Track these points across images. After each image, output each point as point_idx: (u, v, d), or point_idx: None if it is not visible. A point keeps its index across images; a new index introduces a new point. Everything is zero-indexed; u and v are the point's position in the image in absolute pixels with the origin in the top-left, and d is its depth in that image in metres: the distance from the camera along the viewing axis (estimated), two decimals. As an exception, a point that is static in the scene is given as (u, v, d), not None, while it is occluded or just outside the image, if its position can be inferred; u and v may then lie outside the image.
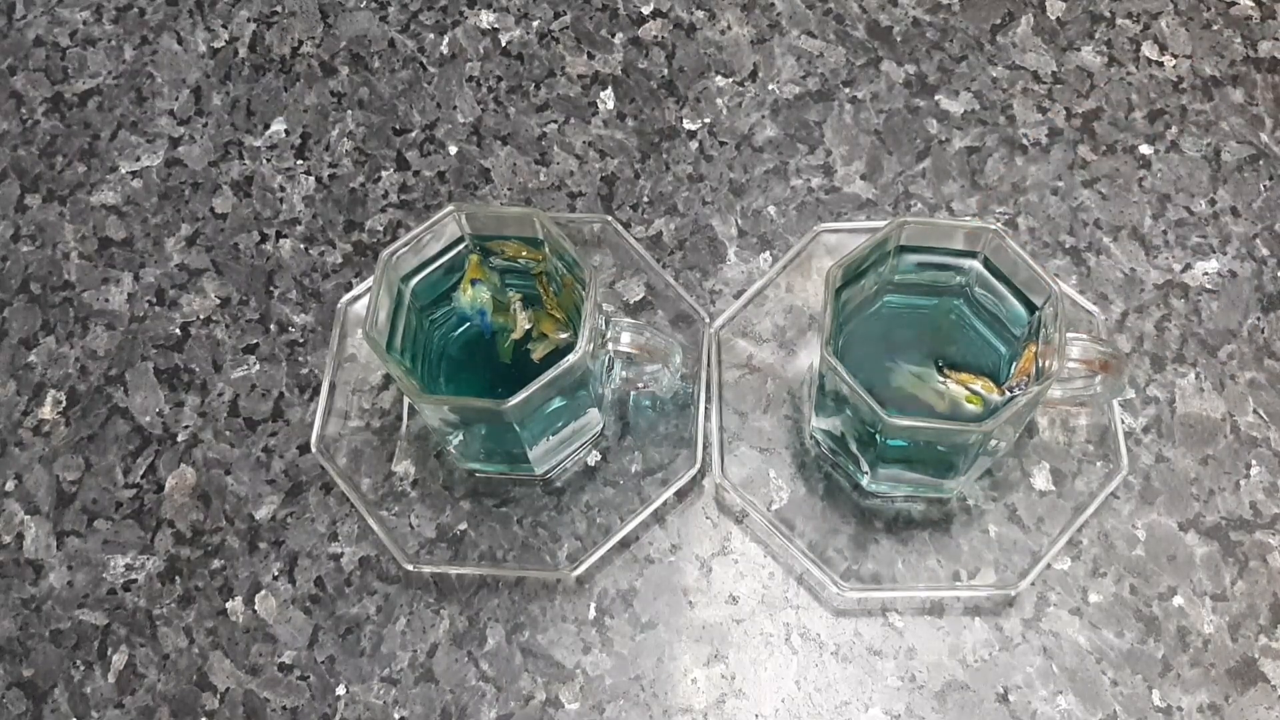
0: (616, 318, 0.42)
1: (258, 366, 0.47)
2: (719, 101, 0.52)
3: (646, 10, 0.54)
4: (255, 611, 0.43)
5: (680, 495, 0.44)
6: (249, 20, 0.55)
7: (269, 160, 0.52)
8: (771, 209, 0.49)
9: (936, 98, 0.52)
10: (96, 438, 0.46)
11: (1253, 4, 0.54)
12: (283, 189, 0.51)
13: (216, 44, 0.55)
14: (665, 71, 0.53)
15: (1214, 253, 0.48)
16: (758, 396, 0.45)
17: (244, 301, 0.49)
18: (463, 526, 0.44)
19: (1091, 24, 0.53)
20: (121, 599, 0.43)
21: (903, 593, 0.42)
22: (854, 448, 0.42)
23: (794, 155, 0.50)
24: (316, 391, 0.46)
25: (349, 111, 0.53)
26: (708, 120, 0.51)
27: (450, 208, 0.40)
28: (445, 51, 0.54)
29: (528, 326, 0.41)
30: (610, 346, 0.40)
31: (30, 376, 0.48)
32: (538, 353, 0.41)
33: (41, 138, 0.53)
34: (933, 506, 0.43)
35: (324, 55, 0.54)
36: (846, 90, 0.52)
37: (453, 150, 0.52)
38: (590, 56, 0.53)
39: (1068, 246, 0.48)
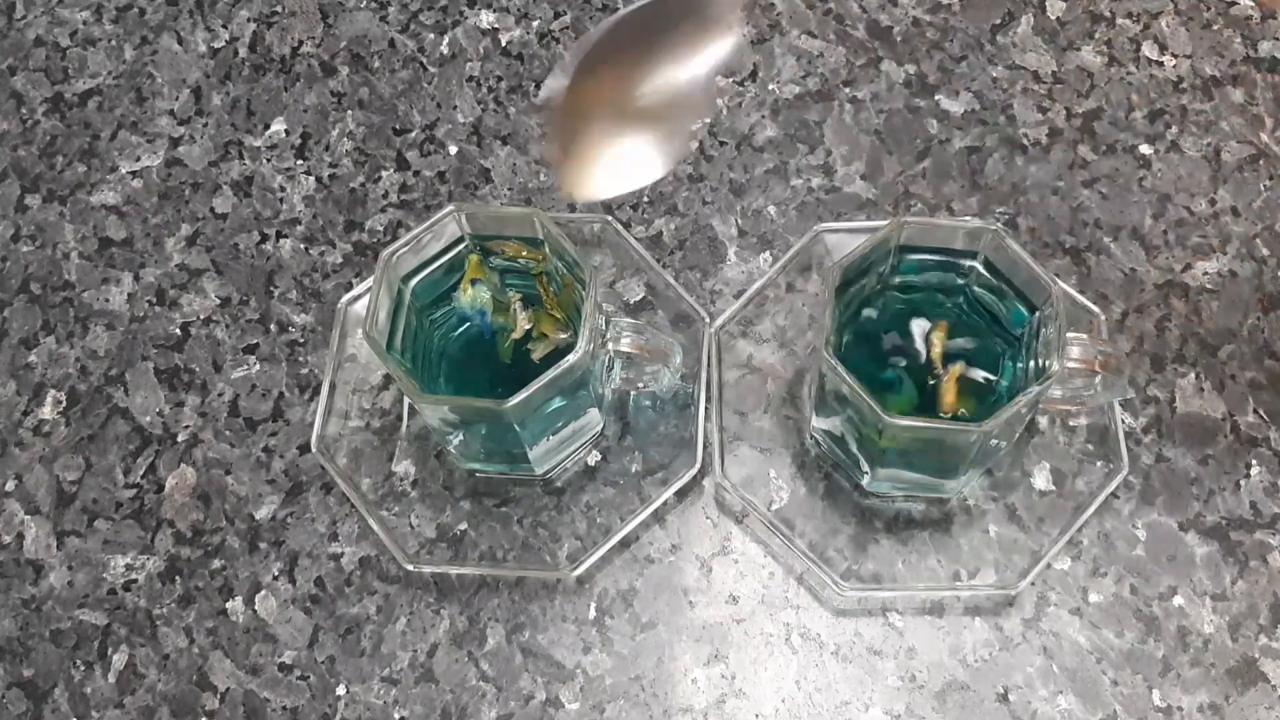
0: (616, 318, 0.42)
1: (258, 366, 0.47)
2: (719, 101, 0.52)
3: (646, 10, 0.54)
4: (255, 611, 0.43)
5: (680, 495, 0.44)
6: (249, 20, 0.55)
7: (269, 160, 0.52)
8: (771, 209, 0.49)
9: (936, 98, 0.52)
10: (96, 438, 0.46)
11: (1252, 4, 0.54)
12: (283, 189, 0.51)
13: (216, 44, 0.55)
14: (665, 71, 0.53)
15: (1214, 253, 0.48)
16: (758, 396, 0.45)
17: (244, 301, 0.49)
18: (463, 526, 0.44)
19: (1091, 24, 0.53)
20: (121, 599, 0.43)
21: (903, 593, 0.42)
22: (854, 448, 0.42)
23: (794, 155, 0.50)
24: (316, 391, 0.46)
25: (349, 111, 0.53)
26: (708, 120, 0.51)
27: (450, 208, 0.40)
28: (445, 51, 0.54)
29: (528, 326, 0.41)
30: (610, 346, 0.40)
31: (30, 376, 0.48)
32: (538, 353, 0.41)
33: (41, 138, 0.53)
34: (933, 506, 0.43)
35: (324, 55, 0.54)
36: (846, 90, 0.52)
37: (453, 150, 0.52)
38: (590, 56, 0.53)
39: (1068, 246, 0.48)
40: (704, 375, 0.45)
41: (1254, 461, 0.44)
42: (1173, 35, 0.53)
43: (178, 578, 0.44)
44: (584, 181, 0.34)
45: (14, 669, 0.43)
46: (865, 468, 0.42)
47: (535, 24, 0.54)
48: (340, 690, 0.42)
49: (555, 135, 0.33)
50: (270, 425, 0.46)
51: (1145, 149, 0.50)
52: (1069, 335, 0.38)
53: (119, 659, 0.42)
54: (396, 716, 0.41)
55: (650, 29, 0.32)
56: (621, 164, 0.34)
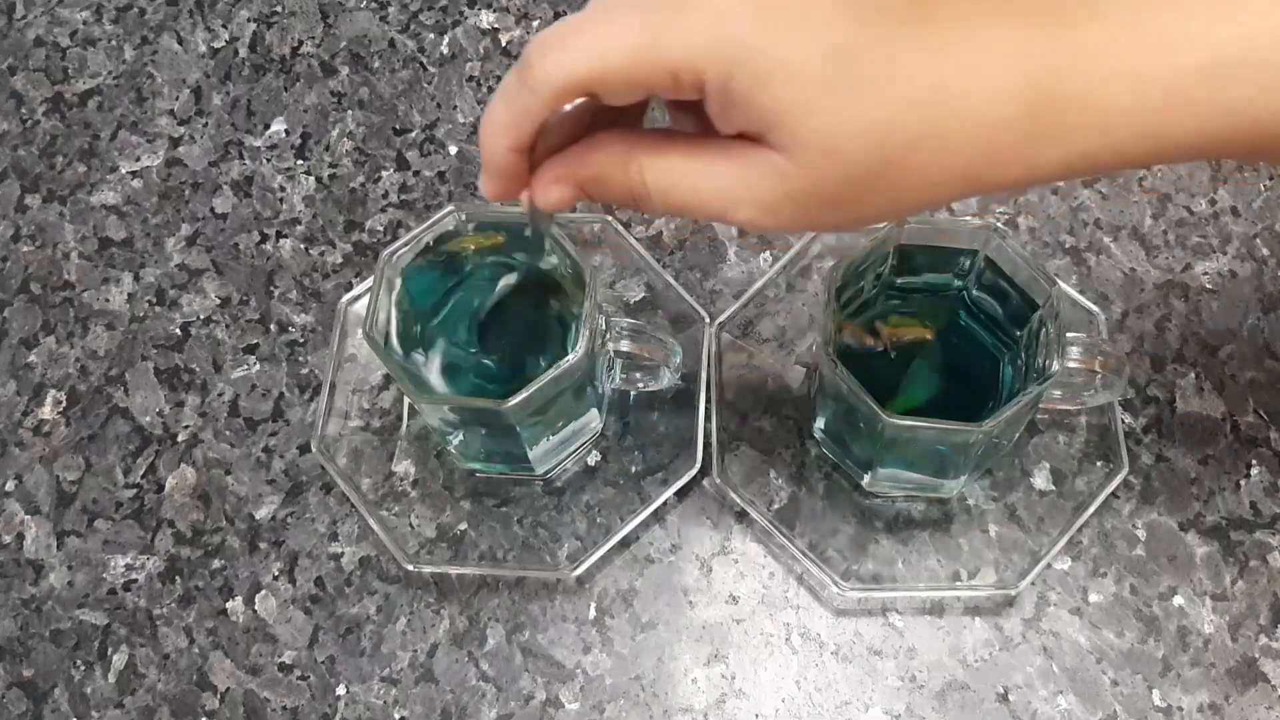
0: (616, 318, 0.42)
1: (258, 366, 0.47)
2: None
3: (646, 10, 0.54)
4: (255, 611, 0.43)
5: (680, 495, 0.44)
6: (249, 20, 0.55)
7: (269, 160, 0.52)
8: (771, 209, 0.49)
9: (936, 98, 0.51)
10: (96, 438, 0.46)
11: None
12: (283, 189, 0.51)
13: (216, 44, 0.55)
14: (665, 71, 0.53)
15: (1214, 253, 0.48)
16: (758, 396, 0.45)
17: (244, 301, 0.49)
18: (463, 526, 0.44)
19: (1091, 24, 0.53)
20: (121, 599, 0.43)
21: (903, 593, 0.42)
22: (854, 448, 0.42)
23: (794, 155, 0.50)
24: (316, 391, 0.46)
25: (349, 111, 0.53)
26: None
27: (450, 208, 0.40)
28: (445, 51, 0.54)
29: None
30: (610, 346, 0.40)
31: (30, 376, 0.48)
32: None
33: (41, 138, 0.53)
34: (933, 506, 0.43)
35: (324, 55, 0.54)
36: (846, 90, 0.52)
37: (453, 150, 0.52)
38: (590, 56, 0.53)
39: (1068, 246, 0.48)
40: (704, 375, 0.45)
41: (1254, 461, 0.44)
42: (1173, 35, 0.53)
43: (178, 578, 0.44)
44: None
45: (14, 669, 0.43)
46: (865, 468, 0.42)
47: (535, 24, 0.54)
48: (340, 690, 0.42)
49: None
50: (270, 425, 0.46)
51: (1145, 149, 0.50)
52: (1069, 335, 0.38)
53: (119, 659, 0.42)
54: (396, 716, 0.41)
55: None
56: None
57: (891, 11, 0.27)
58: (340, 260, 0.49)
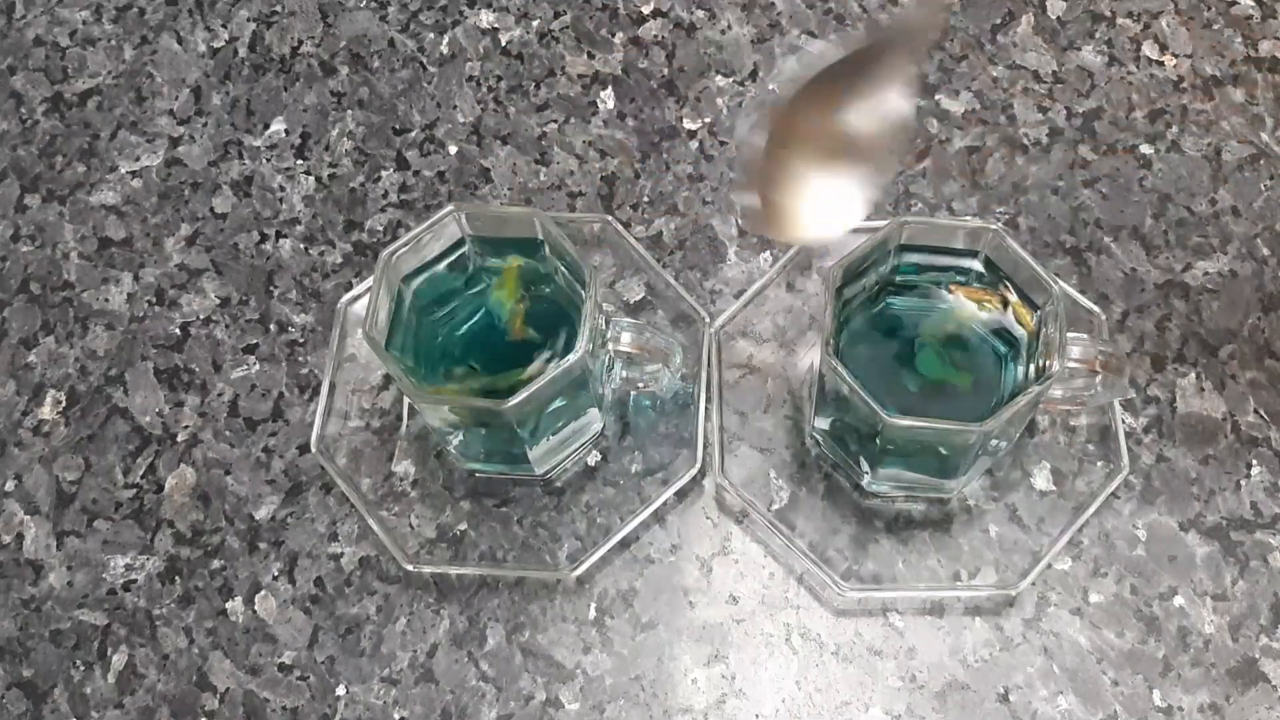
0: (616, 318, 0.42)
1: (258, 366, 0.47)
2: (719, 101, 0.52)
3: (646, 10, 0.54)
4: (255, 611, 0.43)
5: (680, 495, 0.44)
6: (249, 20, 0.55)
7: (269, 160, 0.52)
8: (772, 209, 0.49)
9: (937, 97, 0.51)
10: (96, 438, 0.46)
11: (1253, 3, 0.54)
12: (283, 189, 0.51)
13: (216, 44, 0.55)
14: (665, 71, 0.53)
15: (1214, 252, 0.48)
16: (758, 396, 0.45)
17: (244, 301, 0.49)
18: (463, 526, 0.44)
19: (1092, 23, 0.53)
20: (121, 599, 0.43)
21: (903, 593, 0.42)
22: (854, 448, 0.42)
23: (794, 155, 0.50)
24: (316, 391, 0.46)
25: (349, 111, 0.53)
26: (708, 120, 0.51)
27: (450, 208, 0.40)
28: (445, 51, 0.54)
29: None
30: (610, 346, 0.40)
31: (30, 376, 0.48)
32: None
33: (41, 138, 0.53)
34: (933, 506, 0.43)
35: (324, 55, 0.54)
36: (847, 90, 0.52)
37: (453, 150, 0.52)
38: (590, 56, 0.53)
39: (1068, 246, 0.48)
40: (704, 375, 0.45)
41: (1254, 461, 0.44)
42: (1173, 35, 0.53)
43: (178, 578, 0.44)
44: (787, 226, 0.36)
45: (14, 669, 0.42)
46: (865, 468, 0.42)
47: (535, 24, 0.54)
48: (340, 690, 0.42)
49: (754, 185, 0.34)
50: (270, 425, 0.46)
51: (1145, 149, 0.50)
52: (1069, 335, 0.38)
53: (119, 659, 0.42)
54: (396, 717, 0.41)
55: (845, 76, 0.34)
56: (825, 206, 0.35)
57: None
58: (340, 260, 0.49)
